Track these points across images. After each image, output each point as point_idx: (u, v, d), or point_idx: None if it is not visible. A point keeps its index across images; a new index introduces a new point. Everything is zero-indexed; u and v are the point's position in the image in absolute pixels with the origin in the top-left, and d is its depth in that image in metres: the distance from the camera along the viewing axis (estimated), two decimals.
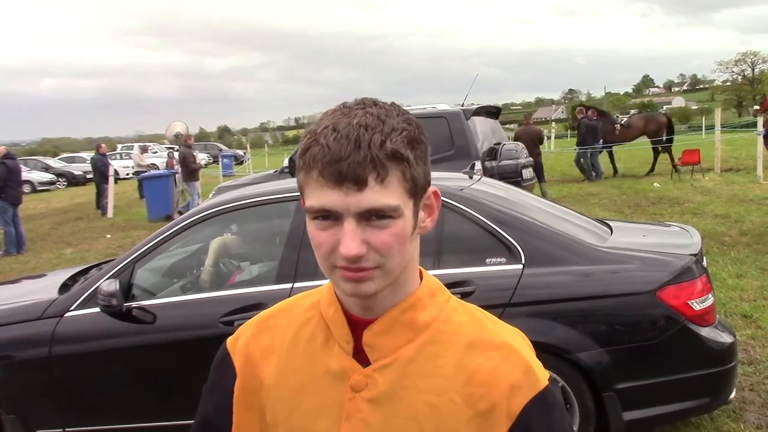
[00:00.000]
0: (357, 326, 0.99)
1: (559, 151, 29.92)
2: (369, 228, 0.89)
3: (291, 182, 4.11)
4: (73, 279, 4.28)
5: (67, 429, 3.65)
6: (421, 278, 1.03)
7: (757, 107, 19.43)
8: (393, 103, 0.95)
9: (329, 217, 0.89)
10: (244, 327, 1.11)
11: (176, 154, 16.52)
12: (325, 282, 1.03)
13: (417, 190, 0.92)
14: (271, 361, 1.04)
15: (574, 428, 3.25)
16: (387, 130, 0.88)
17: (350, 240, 0.88)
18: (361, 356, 0.98)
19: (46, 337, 3.59)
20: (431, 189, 0.97)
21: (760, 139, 14.95)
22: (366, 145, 0.86)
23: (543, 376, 0.97)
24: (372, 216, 0.88)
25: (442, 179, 3.98)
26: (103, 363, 3.63)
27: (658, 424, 3.62)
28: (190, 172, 15.08)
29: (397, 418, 0.95)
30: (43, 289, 4.16)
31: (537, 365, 0.98)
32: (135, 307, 3.59)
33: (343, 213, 0.88)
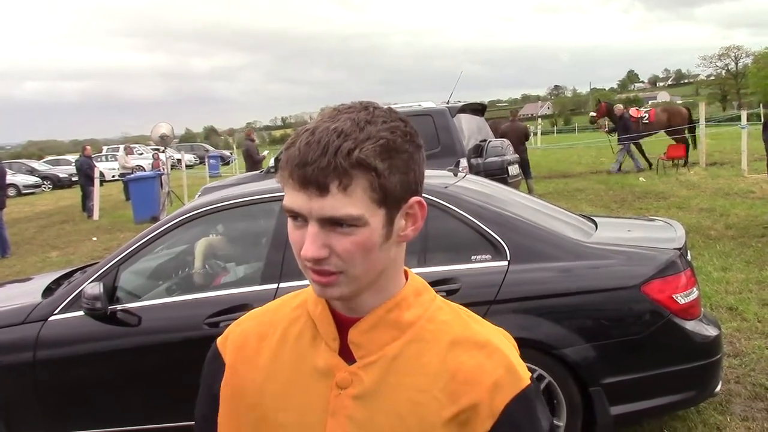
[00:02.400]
0: (343, 325, 1.00)
1: (545, 147, 30.04)
2: (333, 233, 0.90)
3: (276, 183, 4.09)
4: (57, 282, 4.24)
5: None
6: (407, 278, 1.04)
7: (593, 114, 19.51)
8: (389, 109, 0.95)
9: (298, 218, 0.91)
10: (234, 326, 1.12)
11: (162, 156, 16.42)
12: None
13: (389, 199, 0.92)
14: (260, 359, 1.05)
15: (562, 424, 3.26)
16: (361, 138, 0.88)
17: (309, 243, 0.90)
18: (347, 354, 0.99)
19: (30, 341, 3.56)
20: (414, 199, 0.97)
21: (745, 133, 15.08)
22: (333, 152, 0.87)
23: (525, 375, 0.98)
24: (335, 223, 0.89)
25: (427, 177, 3.97)
26: (88, 367, 3.60)
27: (645, 418, 3.63)
28: (254, 163, 15.84)
29: (381, 415, 0.96)
30: (27, 293, 4.12)
31: (519, 364, 0.99)
32: (119, 310, 3.55)
33: (307, 216, 0.90)
